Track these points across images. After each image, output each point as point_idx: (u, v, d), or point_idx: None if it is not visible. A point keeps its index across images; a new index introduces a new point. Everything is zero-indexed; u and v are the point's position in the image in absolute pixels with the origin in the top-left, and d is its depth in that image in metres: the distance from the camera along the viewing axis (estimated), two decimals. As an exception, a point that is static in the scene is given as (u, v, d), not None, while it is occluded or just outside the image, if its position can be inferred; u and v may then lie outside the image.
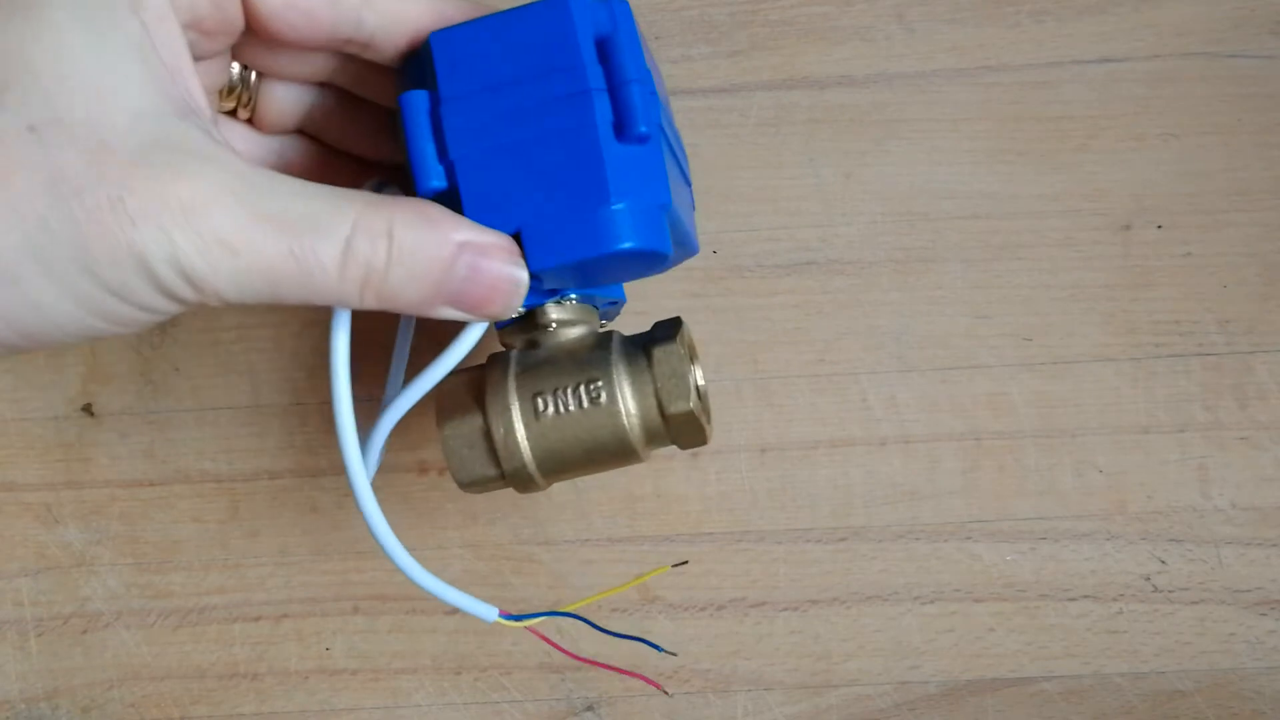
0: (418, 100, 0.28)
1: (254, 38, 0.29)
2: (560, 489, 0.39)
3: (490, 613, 0.32)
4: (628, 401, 0.29)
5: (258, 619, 0.39)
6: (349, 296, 0.26)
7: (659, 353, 0.30)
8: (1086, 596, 0.38)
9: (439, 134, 0.28)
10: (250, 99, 0.31)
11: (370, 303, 0.27)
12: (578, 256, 0.27)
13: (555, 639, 0.39)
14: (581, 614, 0.36)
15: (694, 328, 0.39)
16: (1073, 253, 0.39)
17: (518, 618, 0.32)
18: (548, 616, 0.35)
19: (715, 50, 0.39)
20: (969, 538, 0.38)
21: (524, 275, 0.27)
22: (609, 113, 0.27)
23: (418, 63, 0.29)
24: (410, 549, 0.39)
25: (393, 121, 0.31)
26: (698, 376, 0.32)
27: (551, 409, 0.30)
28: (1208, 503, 0.38)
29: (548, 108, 0.27)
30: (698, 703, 0.38)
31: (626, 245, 0.27)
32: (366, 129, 0.33)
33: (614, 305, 0.33)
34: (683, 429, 0.30)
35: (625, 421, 0.29)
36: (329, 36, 0.28)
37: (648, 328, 0.31)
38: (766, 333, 0.39)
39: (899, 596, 0.38)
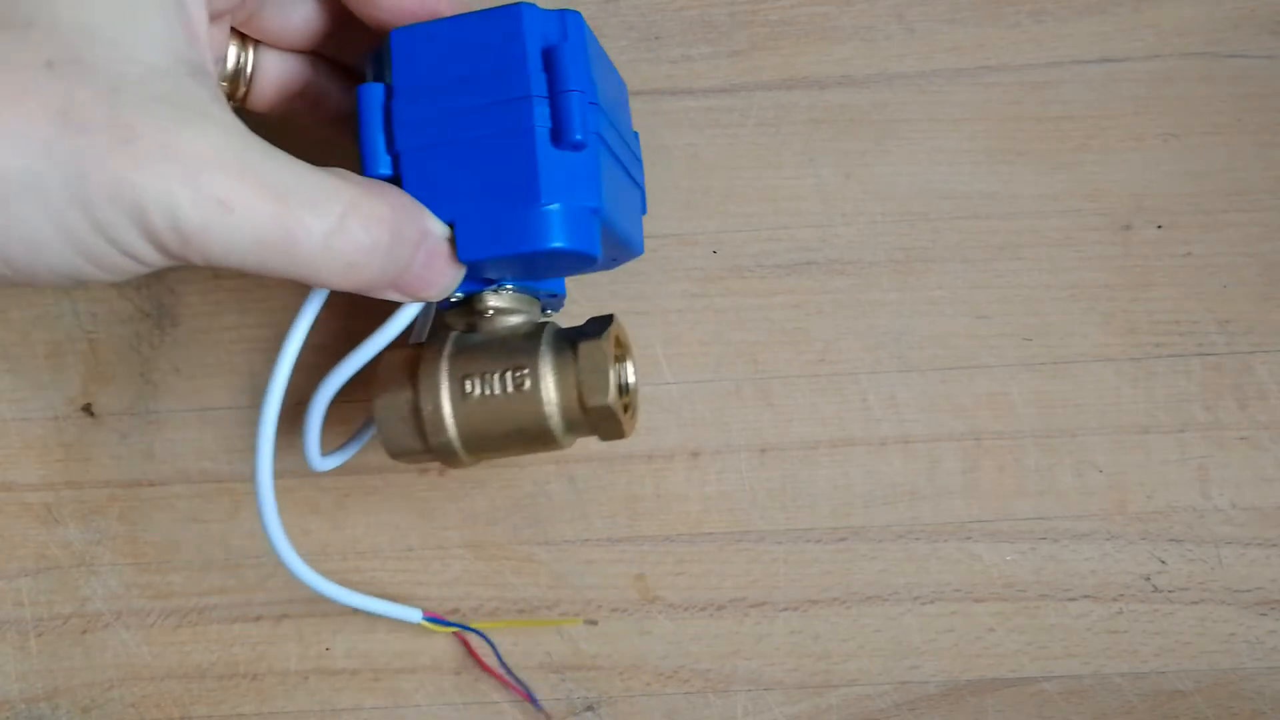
0: (374, 92, 0.30)
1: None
2: (560, 489, 0.39)
3: (414, 614, 0.37)
4: (550, 391, 0.31)
5: (258, 619, 0.39)
6: (332, 274, 0.27)
7: (585, 347, 0.31)
8: (1086, 596, 0.38)
9: (389, 125, 0.29)
10: (246, 88, 0.33)
11: (344, 281, 0.27)
12: (505, 251, 0.29)
13: (555, 640, 0.39)
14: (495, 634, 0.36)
15: (694, 328, 0.39)
16: (1073, 253, 0.39)
17: (439, 621, 0.37)
18: (461, 629, 0.38)
19: (715, 50, 0.39)
20: (969, 538, 0.38)
21: (462, 268, 0.29)
22: (547, 119, 0.29)
23: (379, 58, 0.31)
24: (410, 549, 0.39)
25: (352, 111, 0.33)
26: (628, 373, 0.33)
27: (478, 391, 0.31)
28: (1208, 503, 0.38)
29: (491, 110, 0.29)
30: (698, 703, 0.38)
31: (553, 245, 0.28)
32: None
33: (554, 298, 0.34)
34: (601, 422, 0.31)
35: (546, 409, 0.31)
36: None
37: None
38: (766, 333, 0.39)
39: (899, 596, 0.38)
